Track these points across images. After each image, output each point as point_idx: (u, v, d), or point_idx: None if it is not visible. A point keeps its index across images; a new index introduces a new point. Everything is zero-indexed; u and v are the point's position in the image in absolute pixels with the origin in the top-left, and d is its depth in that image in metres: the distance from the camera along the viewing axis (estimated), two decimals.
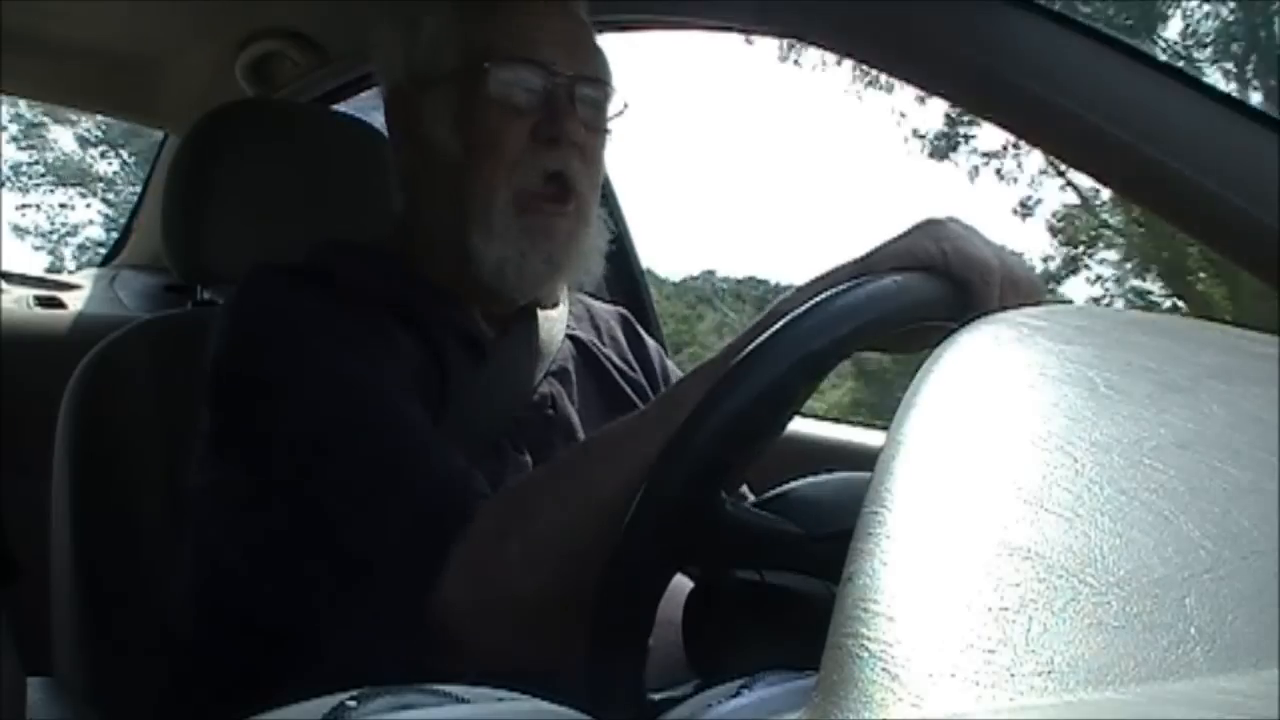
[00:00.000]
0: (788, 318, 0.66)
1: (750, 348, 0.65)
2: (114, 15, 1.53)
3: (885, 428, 0.40)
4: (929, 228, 0.73)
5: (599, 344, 1.05)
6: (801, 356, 0.64)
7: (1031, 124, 0.84)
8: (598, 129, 0.95)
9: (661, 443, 0.65)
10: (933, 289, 0.70)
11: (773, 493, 0.70)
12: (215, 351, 0.88)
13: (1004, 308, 0.68)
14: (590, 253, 0.96)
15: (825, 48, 0.98)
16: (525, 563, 0.74)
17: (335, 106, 1.60)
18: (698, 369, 0.77)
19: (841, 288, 0.68)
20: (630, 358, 1.07)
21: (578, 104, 0.92)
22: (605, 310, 1.13)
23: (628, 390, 1.03)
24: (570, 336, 1.02)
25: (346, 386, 0.83)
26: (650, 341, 1.11)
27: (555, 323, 1.01)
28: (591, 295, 1.16)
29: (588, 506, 0.73)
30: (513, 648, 0.77)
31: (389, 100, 1.00)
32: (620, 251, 1.58)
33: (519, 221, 0.91)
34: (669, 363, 1.11)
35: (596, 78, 0.94)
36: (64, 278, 1.90)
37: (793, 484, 0.71)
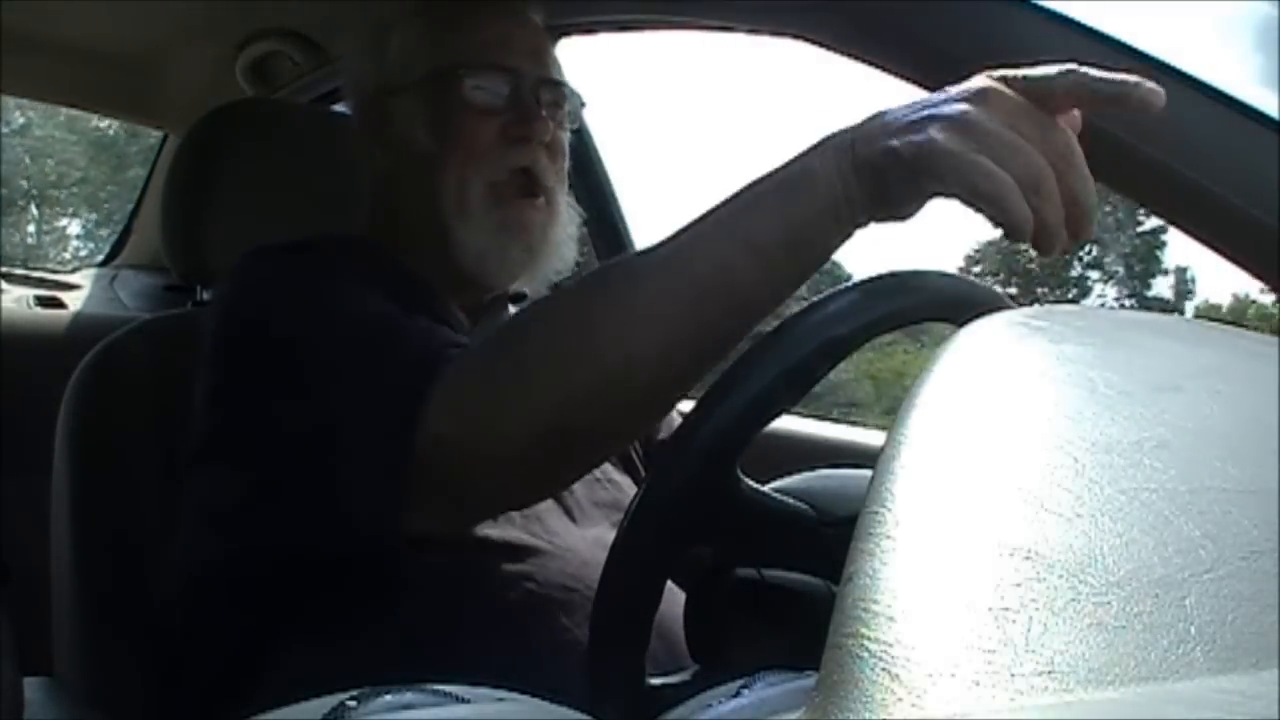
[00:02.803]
0: (809, 303, 0.67)
1: (774, 328, 0.66)
2: (114, 15, 1.54)
3: (885, 427, 0.40)
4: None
5: None
6: (824, 339, 0.65)
7: None
8: (560, 126, 1.03)
9: (656, 285, 0.68)
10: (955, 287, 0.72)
11: (785, 480, 0.71)
12: (212, 318, 0.94)
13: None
14: (563, 242, 1.03)
15: (824, 46, 0.98)
16: (514, 381, 0.74)
17: (335, 106, 1.60)
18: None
19: (876, 276, 0.69)
20: None
21: (543, 105, 1.00)
22: None
23: None
24: None
25: (340, 317, 0.86)
26: None
27: None
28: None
29: (580, 334, 0.73)
30: (500, 483, 0.77)
31: (358, 108, 1.08)
32: (616, 236, 1.58)
33: (496, 214, 0.98)
34: None
35: (557, 80, 1.03)
36: (64, 277, 1.90)
37: (805, 474, 0.72)
